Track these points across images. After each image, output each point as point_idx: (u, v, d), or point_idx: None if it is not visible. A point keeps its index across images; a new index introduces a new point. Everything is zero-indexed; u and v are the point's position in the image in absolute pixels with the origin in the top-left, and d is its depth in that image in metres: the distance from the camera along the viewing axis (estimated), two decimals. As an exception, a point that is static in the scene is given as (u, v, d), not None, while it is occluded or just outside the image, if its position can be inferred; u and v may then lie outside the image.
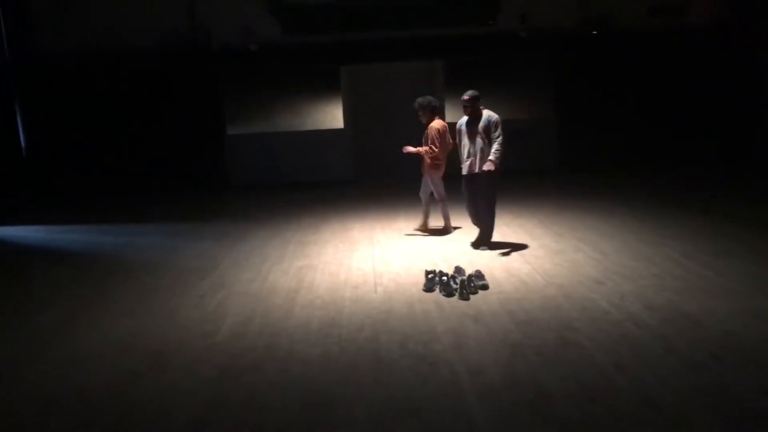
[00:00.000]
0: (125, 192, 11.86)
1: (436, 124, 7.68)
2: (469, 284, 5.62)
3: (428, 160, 7.65)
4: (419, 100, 7.75)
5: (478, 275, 5.84)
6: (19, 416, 3.77)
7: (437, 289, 5.69)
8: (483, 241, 7.17)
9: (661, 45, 12.26)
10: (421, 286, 5.80)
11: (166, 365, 4.36)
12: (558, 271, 6.15)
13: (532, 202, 9.60)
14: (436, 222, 8.09)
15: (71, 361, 4.52)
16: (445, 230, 7.96)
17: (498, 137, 6.80)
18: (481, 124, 6.91)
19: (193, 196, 11.69)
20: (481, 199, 6.97)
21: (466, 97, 6.92)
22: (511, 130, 12.19)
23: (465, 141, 7.04)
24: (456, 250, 7.19)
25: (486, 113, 6.94)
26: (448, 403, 3.67)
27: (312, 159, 12.63)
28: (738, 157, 12.34)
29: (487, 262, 6.57)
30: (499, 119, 6.89)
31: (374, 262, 6.82)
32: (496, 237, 7.54)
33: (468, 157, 7.01)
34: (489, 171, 6.72)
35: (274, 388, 3.95)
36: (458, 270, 6.05)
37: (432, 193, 7.83)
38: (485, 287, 5.68)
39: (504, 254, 6.85)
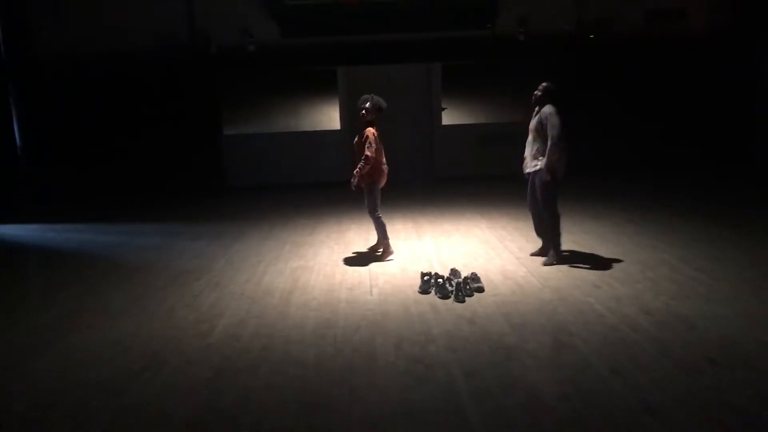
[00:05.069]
0: (121, 192, 11.83)
1: (373, 127, 6.77)
2: (465, 286, 5.62)
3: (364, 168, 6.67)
4: (375, 97, 6.79)
5: (474, 278, 5.84)
6: (15, 416, 3.75)
7: (433, 291, 5.68)
8: (543, 252, 6.73)
9: (658, 49, 12.27)
10: (417, 288, 5.80)
11: (162, 366, 4.34)
12: (554, 274, 6.15)
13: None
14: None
15: (68, 361, 4.51)
16: (383, 253, 7.02)
17: (553, 135, 6.14)
18: (535, 120, 6.41)
19: (189, 197, 11.66)
20: (540, 203, 6.48)
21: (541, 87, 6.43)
22: (507, 134, 12.45)
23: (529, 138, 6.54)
24: (452, 252, 7.19)
25: (545, 108, 6.33)
26: (443, 405, 3.66)
27: (308, 160, 12.62)
28: (735, 161, 12.35)
29: (482, 264, 6.57)
30: (552, 111, 6.24)
31: (370, 263, 6.82)
32: (493, 240, 7.56)
33: (525, 155, 6.57)
34: (540, 175, 6.31)
35: (269, 389, 3.94)
36: (454, 272, 6.05)
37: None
38: (481, 290, 5.68)
39: (500, 257, 6.85)
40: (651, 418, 3.43)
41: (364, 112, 6.78)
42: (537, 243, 7.00)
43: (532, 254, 6.88)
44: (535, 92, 6.47)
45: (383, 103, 6.84)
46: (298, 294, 5.83)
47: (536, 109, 6.46)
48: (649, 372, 3.96)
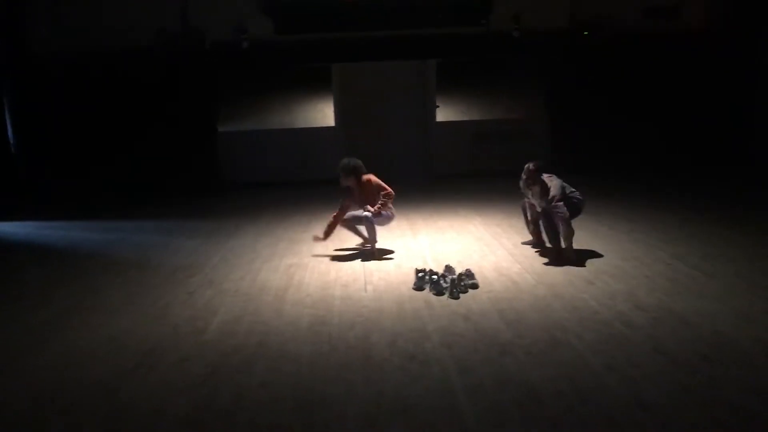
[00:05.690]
0: (116, 189, 11.79)
1: (369, 177, 7.04)
2: (459, 283, 5.63)
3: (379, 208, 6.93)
4: (344, 164, 6.99)
5: (468, 274, 5.85)
6: (11, 414, 3.74)
7: (427, 288, 5.69)
8: (535, 243, 7.08)
9: (654, 47, 12.27)
10: (411, 285, 5.81)
11: (157, 363, 4.34)
12: (548, 270, 6.17)
13: (523, 201, 9.60)
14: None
15: (63, 358, 4.50)
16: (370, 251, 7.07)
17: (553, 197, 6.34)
18: (528, 199, 6.82)
19: (184, 194, 11.64)
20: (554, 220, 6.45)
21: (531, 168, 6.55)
22: (502, 131, 12.46)
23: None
24: (446, 249, 7.20)
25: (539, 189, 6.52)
26: (438, 401, 3.67)
27: (303, 157, 12.62)
28: (734, 161, 12.35)
29: (477, 261, 6.58)
30: (551, 193, 6.39)
31: (364, 260, 6.82)
32: (487, 237, 7.56)
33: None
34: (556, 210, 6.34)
35: (264, 386, 3.94)
36: (448, 269, 6.06)
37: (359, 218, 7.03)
38: (475, 286, 5.69)
39: (494, 254, 6.87)
40: (645, 413, 3.44)
41: (343, 185, 7.06)
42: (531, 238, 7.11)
43: (524, 243, 7.18)
44: (522, 175, 6.64)
45: (355, 163, 6.97)
46: (293, 291, 5.84)
47: (528, 188, 6.68)
48: (643, 368, 3.97)
